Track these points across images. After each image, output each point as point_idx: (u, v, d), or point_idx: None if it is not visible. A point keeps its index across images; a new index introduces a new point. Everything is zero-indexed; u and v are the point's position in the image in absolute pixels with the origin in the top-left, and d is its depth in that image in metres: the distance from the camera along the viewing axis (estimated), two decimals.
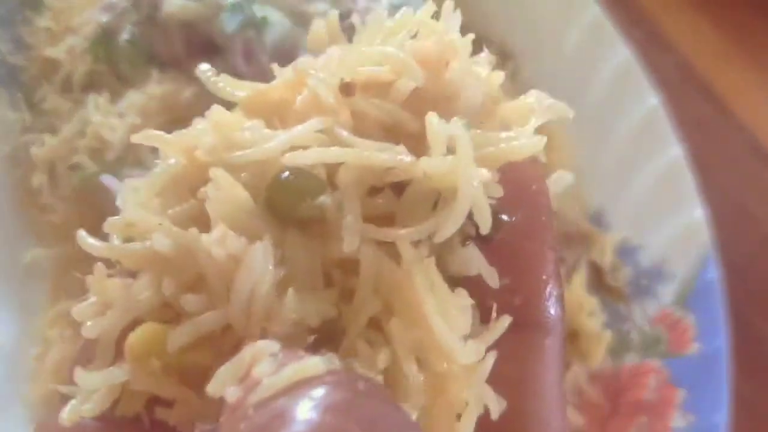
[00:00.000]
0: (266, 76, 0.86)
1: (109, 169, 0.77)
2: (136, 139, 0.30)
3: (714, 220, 0.85)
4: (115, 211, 0.29)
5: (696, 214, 0.85)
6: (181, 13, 0.78)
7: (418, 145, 0.28)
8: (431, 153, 0.27)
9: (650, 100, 0.92)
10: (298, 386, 0.23)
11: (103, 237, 0.30)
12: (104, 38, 0.84)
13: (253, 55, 0.77)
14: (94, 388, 0.27)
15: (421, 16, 0.32)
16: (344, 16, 0.88)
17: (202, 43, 0.81)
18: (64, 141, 0.81)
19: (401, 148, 0.28)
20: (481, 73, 0.32)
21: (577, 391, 0.82)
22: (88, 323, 0.27)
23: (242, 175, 0.28)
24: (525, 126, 0.31)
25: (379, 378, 0.26)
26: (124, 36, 0.83)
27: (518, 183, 0.30)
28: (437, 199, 0.28)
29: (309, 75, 0.30)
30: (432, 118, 0.28)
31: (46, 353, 0.77)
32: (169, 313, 0.27)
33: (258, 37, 0.77)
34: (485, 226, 0.28)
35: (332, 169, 0.28)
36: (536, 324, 0.31)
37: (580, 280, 0.86)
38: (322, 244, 0.27)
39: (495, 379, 0.28)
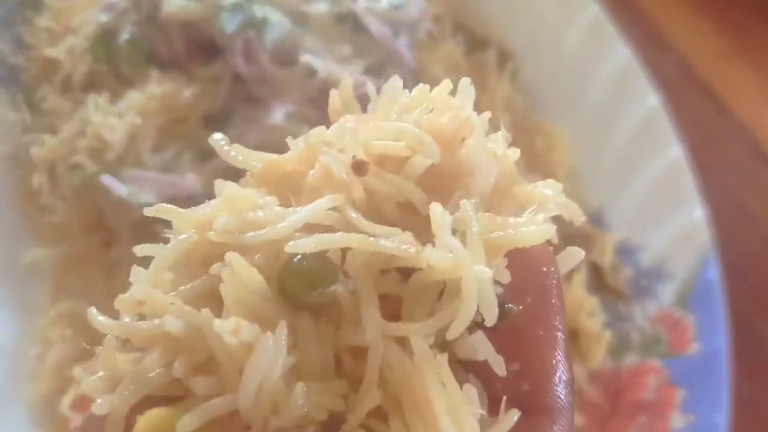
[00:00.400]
0: (266, 76, 0.85)
1: (109, 169, 0.77)
2: (149, 212, 0.30)
3: (714, 219, 0.85)
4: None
5: (696, 214, 0.85)
6: (181, 14, 0.78)
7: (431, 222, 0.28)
8: (436, 243, 0.27)
9: (650, 100, 0.92)
10: None
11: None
12: (104, 38, 0.84)
13: (253, 55, 0.77)
14: None
15: (438, 92, 0.32)
16: (344, 17, 0.88)
17: (203, 43, 0.81)
18: (64, 141, 0.81)
19: (408, 236, 0.28)
20: (496, 151, 0.32)
21: (577, 391, 0.82)
22: (98, 401, 0.27)
23: (256, 256, 0.28)
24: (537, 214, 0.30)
25: None
26: (125, 36, 0.83)
27: (527, 265, 0.30)
28: (443, 288, 0.28)
29: (321, 151, 0.30)
30: (436, 208, 0.28)
31: (47, 353, 0.77)
32: (178, 389, 0.27)
33: (258, 37, 0.77)
34: (491, 320, 0.28)
35: (346, 249, 0.28)
36: (545, 410, 0.31)
37: (580, 280, 0.86)
38: (335, 329, 0.28)
39: None
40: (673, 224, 0.87)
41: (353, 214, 0.28)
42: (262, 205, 0.29)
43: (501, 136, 0.33)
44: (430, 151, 0.30)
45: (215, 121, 0.79)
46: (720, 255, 0.84)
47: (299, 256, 0.27)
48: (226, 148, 0.32)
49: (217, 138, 0.32)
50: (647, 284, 0.87)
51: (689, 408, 0.78)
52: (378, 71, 0.79)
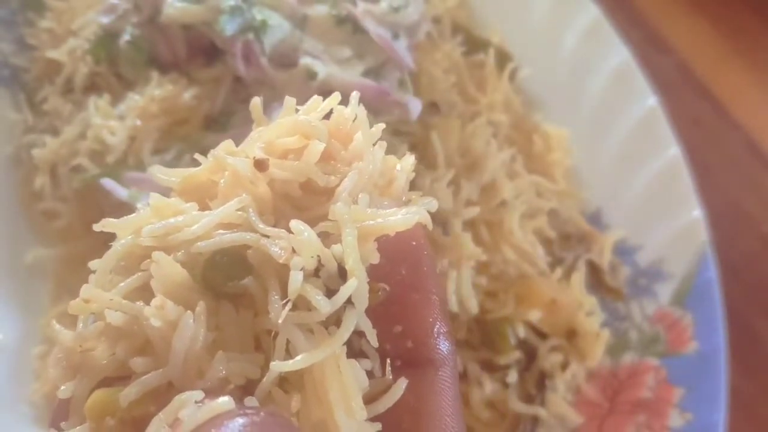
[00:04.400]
0: (266, 78, 0.85)
1: (109, 171, 0.77)
2: (97, 228, 0.35)
3: (711, 219, 0.85)
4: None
5: (694, 214, 0.86)
6: (182, 16, 0.78)
7: (331, 196, 0.34)
8: (300, 254, 0.32)
9: (648, 101, 0.92)
10: (213, 420, 0.28)
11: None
12: (105, 40, 0.85)
13: (253, 57, 0.77)
14: None
15: (329, 101, 0.37)
16: (344, 19, 0.88)
17: (203, 45, 0.81)
18: (65, 143, 0.81)
19: (286, 241, 0.31)
20: (381, 150, 0.37)
21: (576, 390, 0.82)
22: (62, 387, 0.32)
23: (179, 254, 0.33)
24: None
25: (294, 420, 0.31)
26: (125, 38, 0.83)
27: (400, 242, 0.35)
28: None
29: (226, 159, 0.35)
30: (297, 225, 0.32)
31: (49, 352, 0.77)
32: (127, 371, 0.31)
33: (258, 40, 0.77)
34: (363, 306, 0.32)
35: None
36: (428, 361, 0.36)
37: (579, 279, 0.86)
38: (254, 315, 0.32)
39: (397, 409, 0.33)
40: (671, 224, 0.87)
41: (252, 216, 0.33)
42: (182, 210, 0.34)
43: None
44: (320, 133, 0.35)
45: (215, 122, 0.79)
46: (718, 254, 0.84)
47: (218, 253, 0.32)
48: (150, 169, 0.36)
49: (155, 170, 0.37)
50: (645, 284, 0.88)
51: (687, 406, 0.78)
52: (377, 73, 0.80)
